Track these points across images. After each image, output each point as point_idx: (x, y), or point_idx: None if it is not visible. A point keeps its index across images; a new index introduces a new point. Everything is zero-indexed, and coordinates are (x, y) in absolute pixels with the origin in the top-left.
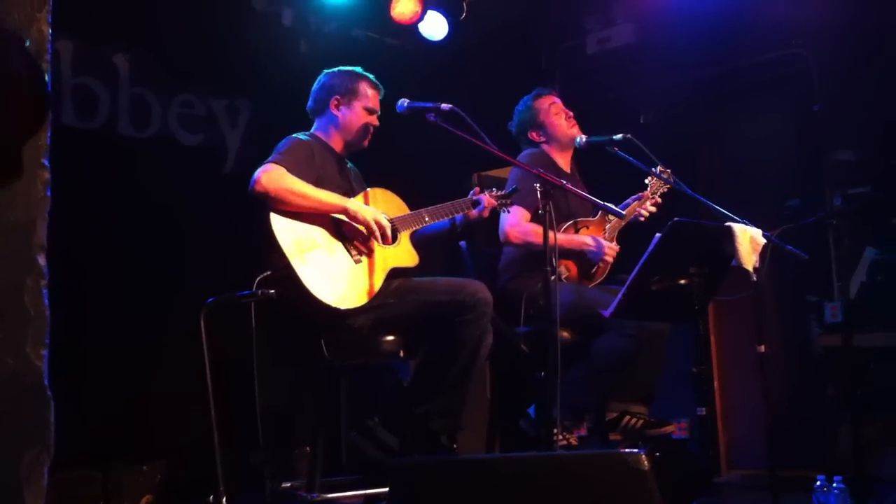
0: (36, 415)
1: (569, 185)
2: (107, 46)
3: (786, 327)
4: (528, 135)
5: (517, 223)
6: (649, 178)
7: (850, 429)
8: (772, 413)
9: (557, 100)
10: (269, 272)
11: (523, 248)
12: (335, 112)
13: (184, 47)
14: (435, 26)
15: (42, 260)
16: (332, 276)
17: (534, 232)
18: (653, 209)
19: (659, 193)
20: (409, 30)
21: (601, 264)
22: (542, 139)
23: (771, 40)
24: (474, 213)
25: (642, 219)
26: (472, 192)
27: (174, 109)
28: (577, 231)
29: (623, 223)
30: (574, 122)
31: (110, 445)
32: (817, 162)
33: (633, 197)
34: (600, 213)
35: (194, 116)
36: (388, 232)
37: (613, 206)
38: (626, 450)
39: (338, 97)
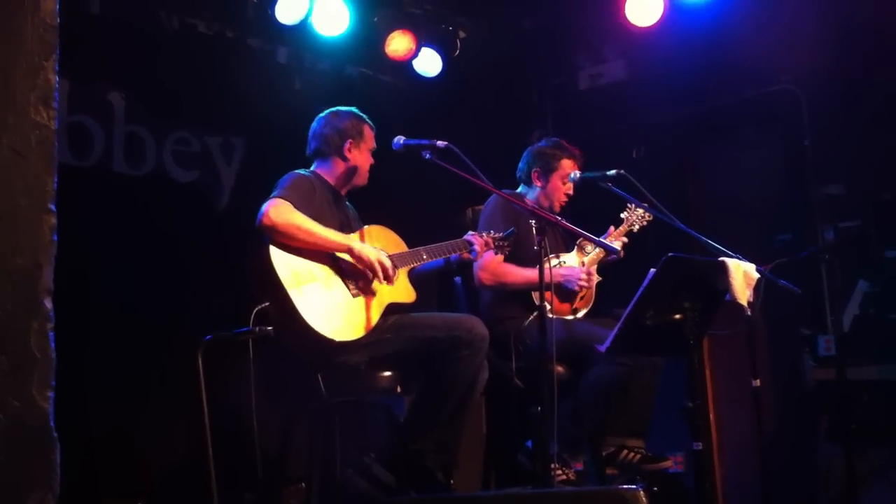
0: (41, 457)
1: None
2: (102, 84)
3: (779, 361)
4: (532, 173)
5: (487, 266)
6: (625, 211)
7: (843, 462)
8: (765, 447)
9: (577, 173)
10: (266, 304)
11: (497, 290)
12: (348, 155)
13: (178, 84)
14: (429, 63)
15: (48, 304)
16: (329, 308)
17: (504, 273)
18: (624, 240)
19: (638, 226)
20: (403, 66)
21: (581, 291)
22: (539, 185)
23: (760, 76)
24: (469, 255)
25: (620, 254)
26: (467, 233)
27: (169, 146)
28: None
29: (601, 255)
30: (567, 199)
31: (105, 481)
32: (807, 196)
33: (606, 233)
34: (576, 247)
35: (189, 153)
36: (391, 273)
37: (590, 234)
38: (624, 486)
39: (351, 141)
